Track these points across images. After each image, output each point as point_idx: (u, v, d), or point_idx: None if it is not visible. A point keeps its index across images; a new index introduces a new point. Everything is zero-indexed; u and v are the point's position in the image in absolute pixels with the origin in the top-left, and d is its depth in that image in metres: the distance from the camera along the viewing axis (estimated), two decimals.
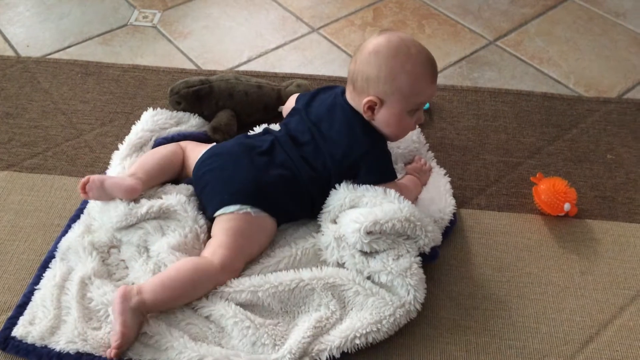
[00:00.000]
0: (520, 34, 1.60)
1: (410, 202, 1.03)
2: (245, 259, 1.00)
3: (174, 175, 1.12)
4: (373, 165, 1.07)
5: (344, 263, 1.00)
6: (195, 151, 1.11)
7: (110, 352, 0.88)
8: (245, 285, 0.95)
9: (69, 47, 1.53)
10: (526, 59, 1.51)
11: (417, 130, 1.23)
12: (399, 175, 1.14)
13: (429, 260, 1.02)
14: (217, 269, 0.95)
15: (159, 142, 1.19)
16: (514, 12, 1.67)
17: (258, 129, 1.19)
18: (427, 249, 1.02)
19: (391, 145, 1.15)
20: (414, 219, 0.99)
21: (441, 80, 1.45)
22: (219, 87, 1.27)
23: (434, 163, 1.22)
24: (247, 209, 1.01)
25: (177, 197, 1.06)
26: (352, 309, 0.95)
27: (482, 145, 1.28)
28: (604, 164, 1.24)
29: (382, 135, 1.09)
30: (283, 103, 1.30)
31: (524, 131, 1.31)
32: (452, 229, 1.10)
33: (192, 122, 1.26)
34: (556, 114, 1.35)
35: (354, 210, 1.02)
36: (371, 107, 1.04)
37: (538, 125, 1.32)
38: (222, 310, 0.92)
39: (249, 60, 1.50)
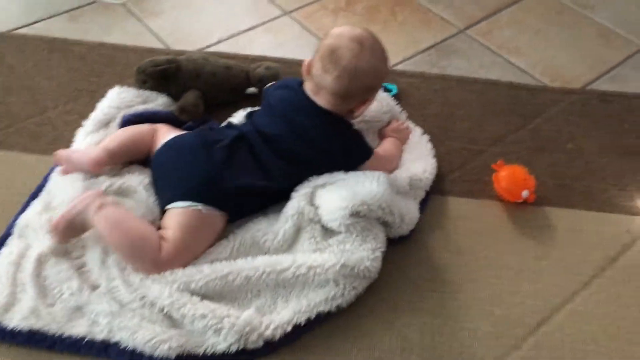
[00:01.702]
0: (490, 23, 1.61)
1: (387, 184, 1.04)
2: (189, 256, 0.98)
3: (142, 155, 1.11)
4: (352, 152, 1.09)
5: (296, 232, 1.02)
6: (167, 135, 1.10)
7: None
8: (177, 275, 0.94)
9: (36, 22, 1.51)
10: (495, 49, 1.53)
11: (388, 101, 1.26)
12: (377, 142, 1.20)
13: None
14: (158, 257, 0.95)
15: (126, 119, 1.18)
16: (487, 0, 1.69)
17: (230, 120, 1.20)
18: (397, 235, 1.05)
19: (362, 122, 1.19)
20: (392, 205, 1.02)
21: (410, 67, 1.46)
22: (186, 67, 1.26)
23: (411, 124, 1.26)
24: (199, 206, 0.99)
25: (139, 178, 1.06)
26: (292, 292, 0.96)
27: (447, 132, 1.29)
28: (565, 152, 1.26)
29: (348, 120, 1.11)
30: (251, 85, 1.30)
31: (488, 120, 1.33)
32: (429, 198, 1.14)
33: (159, 101, 1.25)
34: (521, 104, 1.37)
35: (340, 188, 1.03)
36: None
37: (503, 114, 1.34)
38: (157, 292, 0.92)
39: (219, 42, 1.49)
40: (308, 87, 1.09)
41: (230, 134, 1.08)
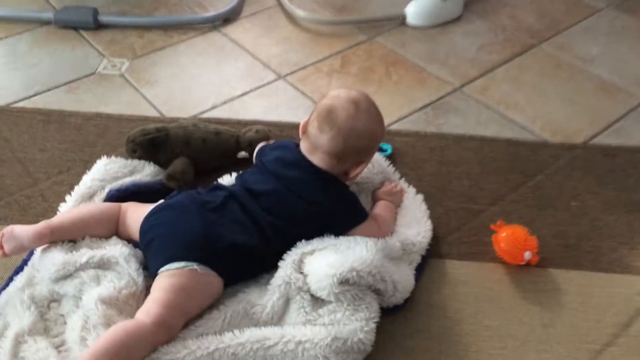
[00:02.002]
0: (486, 80, 1.60)
1: (377, 249, 0.99)
2: (184, 317, 0.95)
3: (103, 233, 1.07)
4: (345, 212, 1.06)
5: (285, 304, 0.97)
6: (138, 211, 1.07)
7: None
8: (161, 352, 0.89)
9: (34, 95, 1.53)
10: (492, 105, 1.51)
11: (380, 162, 1.24)
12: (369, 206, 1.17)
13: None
14: (150, 329, 0.90)
15: (111, 194, 1.16)
16: (481, 58, 1.68)
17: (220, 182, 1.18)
18: (391, 304, 1.00)
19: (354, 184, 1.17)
20: (383, 272, 0.97)
21: (406, 125, 1.44)
22: (175, 134, 1.26)
23: (404, 184, 1.23)
24: (194, 265, 0.96)
25: (120, 249, 1.03)
26: None
27: (444, 192, 1.25)
28: (569, 211, 1.21)
29: (344, 183, 1.11)
30: (241, 149, 1.29)
31: (487, 178, 1.29)
32: (426, 262, 1.08)
33: (147, 170, 1.24)
34: (521, 160, 1.33)
35: (328, 254, 0.99)
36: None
37: (502, 172, 1.30)
38: None
39: (213, 107, 1.49)
40: (304, 147, 1.09)
41: (220, 194, 1.07)
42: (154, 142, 1.24)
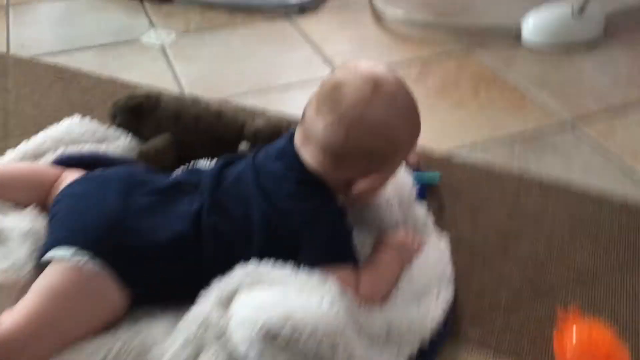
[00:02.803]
0: (611, 119, 1.15)
1: (342, 309, 0.63)
2: (57, 338, 0.64)
3: (27, 199, 0.80)
4: (320, 241, 0.71)
5: None
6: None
7: None
8: None
9: (62, 52, 1.36)
10: (612, 151, 1.06)
11: (408, 191, 0.86)
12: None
13: None
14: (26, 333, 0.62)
15: (61, 159, 0.90)
16: (611, 92, 1.23)
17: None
18: None
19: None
20: (343, 344, 0.60)
21: (476, 154, 1.05)
22: (166, 105, 0.99)
23: (433, 230, 0.84)
24: (85, 257, 0.67)
25: (18, 221, 0.76)
26: None
27: (505, 252, 0.84)
28: None
29: (336, 199, 0.75)
30: (243, 138, 0.98)
31: (575, 245, 0.85)
32: (436, 351, 0.69)
33: (120, 142, 0.97)
34: (634, 232, 0.88)
35: (268, 292, 0.65)
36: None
37: (600, 242, 0.86)
38: None
39: (245, 93, 1.22)
40: (297, 136, 0.77)
41: (173, 179, 0.79)
42: (138, 109, 0.98)
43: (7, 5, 1.57)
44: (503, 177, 0.99)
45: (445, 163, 1.01)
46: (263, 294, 0.64)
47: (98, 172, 0.80)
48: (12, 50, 1.36)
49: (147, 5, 1.58)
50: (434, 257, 0.77)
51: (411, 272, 0.75)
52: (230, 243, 0.71)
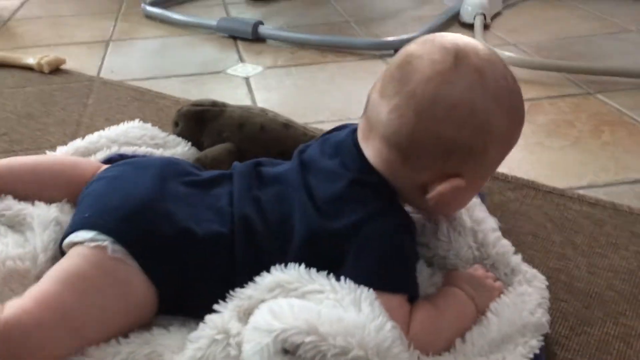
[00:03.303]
0: None
1: (388, 329, 0.47)
2: (69, 333, 0.53)
3: (57, 191, 0.71)
4: (367, 253, 0.55)
5: None
6: None
7: None
8: None
9: (148, 78, 1.34)
10: None
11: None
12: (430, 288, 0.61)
13: None
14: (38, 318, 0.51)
15: (112, 157, 0.82)
16: None
17: None
18: None
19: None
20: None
21: (597, 193, 0.84)
22: (231, 113, 0.90)
23: (526, 268, 0.64)
24: (107, 242, 0.56)
25: (46, 211, 0.68)
26: None
27: (629, 302, 0.63)
28: None
29: (402, 209, 0.59)
30: None
31: None
32: None
33: (178, 149, 0.89)
34: None
35: (288, 301, 0.51)
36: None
37: None
38: None
39: (321, 122, 1.10)
40: (360, 127, 0.63)
41: (215, 174, 0.68)
42: (201, 115, 0.90)
43: (109, 39, 1.62)
44: (632, 218, 0.78)
45: (556, 198, 0.82)
46: (288, 302, 0.48)
47: (138, 158, 0.71)
48: (102, 75, 1.37)
49: (240, 43, 1.56)
50: (520, 302, 0.57)
51: (487, 320, 0.56)
52: (263, 246, 0.57)
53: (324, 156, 0.63)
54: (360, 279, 0.52)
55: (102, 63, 1.44)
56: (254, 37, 1.56)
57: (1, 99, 1.23)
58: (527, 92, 1.22)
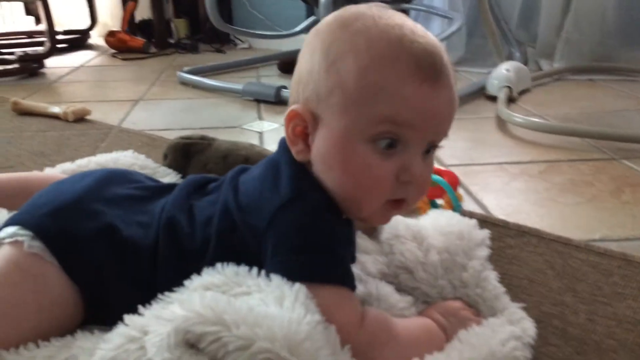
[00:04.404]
0: None
1: (317, 322, 0.42)
2: None
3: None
4: (282, 241, 0.50)
5: None
6: None
7: None
8: None
9: (165, 130, 1.36)
10: None
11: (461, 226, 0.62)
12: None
13: None
14: None
15: None
16: None
17: None
18: None
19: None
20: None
21: (611, 247, 0.75)
22: (218, 146, 0.88)
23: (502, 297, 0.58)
24: (26, 238, 0.53)
25: (5, 215, 0.67)
26: None
27: (633, 352, 0.53)
28: None
29: (325, 195, 0.53)
30: None
31: None
32: None
33: (166, 179, 0.87)
34: None
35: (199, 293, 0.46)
36: (300, 131, 0.53)
37: None
38: None
39: None
40: None
41: (169, 185, 0.65)
42: (188, 148, 0.89)
43: (140, 98, 1.68)
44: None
45: (560, 247, 0.74)
46: (201, 293, 0.42)
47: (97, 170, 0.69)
48: (123, 125, 1.40)
49: (263, 105, 1.58)
50: (490, 332, 0.50)
51: (451, 346, 0.48)
52: (185, 247, 0.54)
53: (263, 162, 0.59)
54: (281, 274, 0.47)
55: (125, 116, 1.49)
56: (276, 100, 1.58)
57: (21, 140, 1.27)
58: (546, 155, 1.17)
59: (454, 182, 0.86)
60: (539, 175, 1.05)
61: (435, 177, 0.80)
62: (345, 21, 0.52)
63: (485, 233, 0.64)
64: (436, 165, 1.09)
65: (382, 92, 0.48)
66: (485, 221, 0.80)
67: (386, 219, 0.55)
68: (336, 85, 0.49)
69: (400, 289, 0.59)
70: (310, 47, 0.53)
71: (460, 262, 0.61)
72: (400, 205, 0.52)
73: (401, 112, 0.48)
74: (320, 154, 0.51)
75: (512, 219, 0.84)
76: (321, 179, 0.52)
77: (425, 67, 0.48)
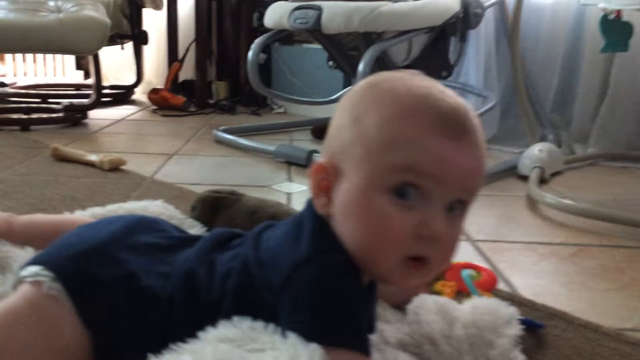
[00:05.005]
0: None
1: None
2: None
3: None
4: (299, 300, 0.49)
5: None
6: None
7: None
8: None
9: (196, 184, 1.38)
10: None
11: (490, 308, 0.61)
12: None
13: None
14: None
15: None
16: None
17: None
18: None
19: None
20: None
21: None
22: (246, 202, 0.89)
23: None
24: (47, 279, 0.54)
25: (28, 254, 0.67)
26: None
27: None
28: None
29: (346, 255, 0.52)
30: None
31: None
32: None
33: (192, 231, 0.87)
34: None
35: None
36: (325, 186, 0.53)
37: None
38: None
39: None
40: None
41: (195, 237, 0.66)
42: (216, 203, 0.90)
43: (175, 153, 1.73)
44: None
45: (590, 333, 0.71)
46: (215, 345, 0.41)
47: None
48: (155, 177, 1.43)
49: (293, 168, 1.60)
50: None
51: None
52: (201, 301, 0.54)
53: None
54: (296, 333, 0.45)
55: (159, 169, 1.52)
56: (307, 164, 1.60)
57: (56, 184, 1.31)
58: (577, 238, 1.15)
59: (491, 283, 0.83)
60: (569, 258, 1.03)
61: (466, 272, 0.78)
62: (375, 81, 0.53)
63: (513, 310, 0.62)
64: (464, 239, 1.07)
65: (403, 142, 0.48)
66: (511, 300, 0.77)
67: (406, 280, 0.52)
68: (358, 137, 0.50)
69: None
70: (340, 106, 0.55)
71: (488, 338, 0.59)
72: (421, 266, 0.50)
73: (421, 162, 0.48)
74: (339, 205, 0.51)
75: (539, 300, 0.82)
76: (340, 233, 0.52)
77: (450, 122, 0.49)
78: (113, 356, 0.53)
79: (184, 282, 0.54)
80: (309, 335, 0.45)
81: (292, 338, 0.44)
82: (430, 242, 0.49)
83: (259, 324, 0.47)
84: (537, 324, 0.71)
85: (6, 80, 3.07)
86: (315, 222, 0.53)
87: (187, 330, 0.49)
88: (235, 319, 0.48)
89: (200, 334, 0.48)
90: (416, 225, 0.48)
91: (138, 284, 0.54)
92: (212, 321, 0.49)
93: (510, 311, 0.62)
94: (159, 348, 0.48)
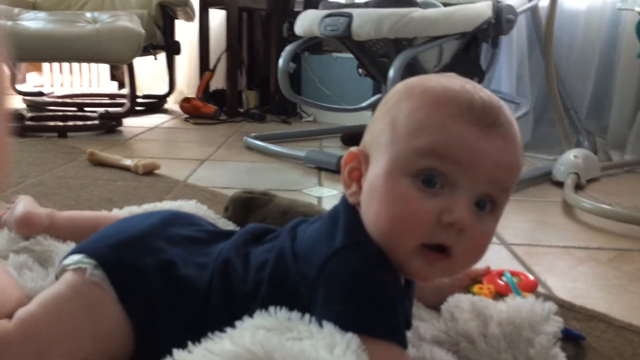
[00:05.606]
0: None
1: None
2: (33, 353, 0.51)
3: None
4: (333, 289, 0.49)
5: None
6: None
7: None
8: None
9: (227, 187, 1.40)
10: None
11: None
12: None
13: None
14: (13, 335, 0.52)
15: None
16: None
17: None
18: None
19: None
20: None
21: None
22: (279, 202, 0.89)
23: None
24: (89, 266, 0.55)
25: (69, 247, 0.69)
26: None
27: None
28: None
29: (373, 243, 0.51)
30: None
31: None
32: None
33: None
34: None
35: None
36: (356, 175, 0.54)
37: None
38: None
39: None
40: None
41: (229, 231, 0.69)
42: (249, 202, 0.90)
43: (206, 158, 1.75)
44: None
45: (631, 335, 0.69)
46: (254, 330, 0.41)
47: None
48: (188, 181, 1.45)
49: (324, 173, 1.60)
50: None
51: None
52: (237, 291, 0.54)
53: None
54: (332, 321, 0.45)
55: (191, 173, 1.54)
56: (337, 169, 1.60)
57: (93, 187, 1.33)
58: (616, 243, 1.12)
59: (532, 285, 0.81)
60: (608, 262, 1.00)
61: (508, 274, 0.77)
62: (410, 80, 0.54)
63: (551, 305, 0.60)
64: (498, 243, 1.06)
65: (429, 126, 0.48)
66: (548, 300, 0.75)
67: (428, 272, 0.51)
68: (387, 124, 0.51)
69: (460, 358, 0.56)
70: (378, 105, 0.55)
71: (527, 336, 0.58)
72: (444, 257, 0.49)
73: (447, 146, 0.47)
74: (365, 190, 0.52)
75: (578, 302, 0.80)
76: (364, 220, 0.52)
77: (481, 111, 0.48)
78: (153, 344, 0.53)
79: (221, 272, 0.55)
80: (344, 324, 0.45)
81: (328, 326, 0.44)
82: (452, 231, 0.48)
83: (295, 314, 0.47)
84: (576, 335, 0.69)
85: (44, 90, 3.16)
86: (350, 214, 0.53)
87: (223, 321, 0.49)
88: (272, 308, 0.48)
89: (237, 322, 0.48)
90: (438, 211, 0.48)
91: (176, 273, 0.55)
92: (248, 311, 0.49)
93: (548, 307, 0.60)
94: (196, 337, 0.49)
